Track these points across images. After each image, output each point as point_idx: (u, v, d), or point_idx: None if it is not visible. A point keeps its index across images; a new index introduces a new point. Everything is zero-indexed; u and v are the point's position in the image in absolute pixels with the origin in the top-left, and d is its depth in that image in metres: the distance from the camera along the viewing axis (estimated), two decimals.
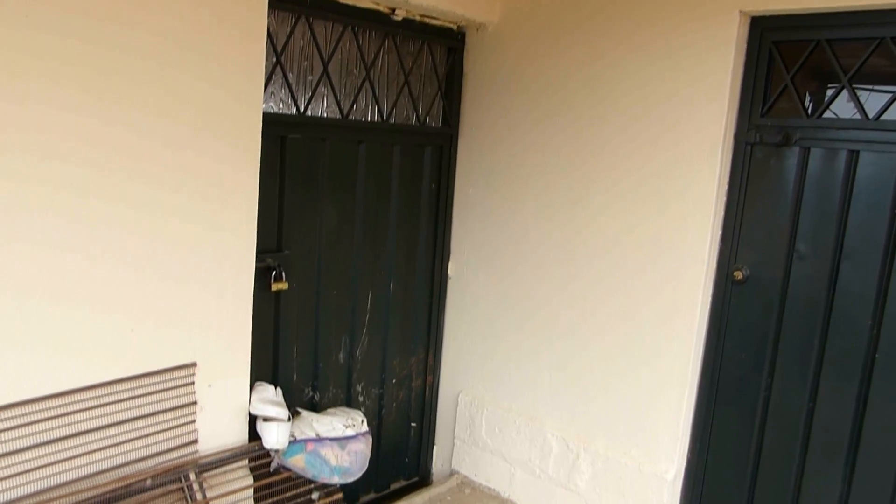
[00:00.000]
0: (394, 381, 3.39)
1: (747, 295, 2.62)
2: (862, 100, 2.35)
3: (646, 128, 2.71)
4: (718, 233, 2.62)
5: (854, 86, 2.35)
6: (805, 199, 2.46)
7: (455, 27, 3.23)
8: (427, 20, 3.10)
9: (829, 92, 2.43)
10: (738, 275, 2.61)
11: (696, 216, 2.60)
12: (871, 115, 2.32)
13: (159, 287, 2.21)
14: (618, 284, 2.84)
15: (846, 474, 2.46)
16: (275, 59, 2.63)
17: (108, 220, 2.06)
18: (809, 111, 2.46)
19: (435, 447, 3.64)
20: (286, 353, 2.89)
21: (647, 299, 2.76)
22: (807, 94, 2.48)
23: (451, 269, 3.47)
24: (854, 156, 2.35)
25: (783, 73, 2.48)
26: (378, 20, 2.93)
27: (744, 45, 2.51)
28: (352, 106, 2.95)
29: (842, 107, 2.39)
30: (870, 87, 2.35)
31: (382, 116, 3.09)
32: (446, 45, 3.26)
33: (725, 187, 2.59)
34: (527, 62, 3.06)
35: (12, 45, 1.81)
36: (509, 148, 3.16)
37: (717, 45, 2.49)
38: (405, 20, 3.00)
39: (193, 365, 2.34)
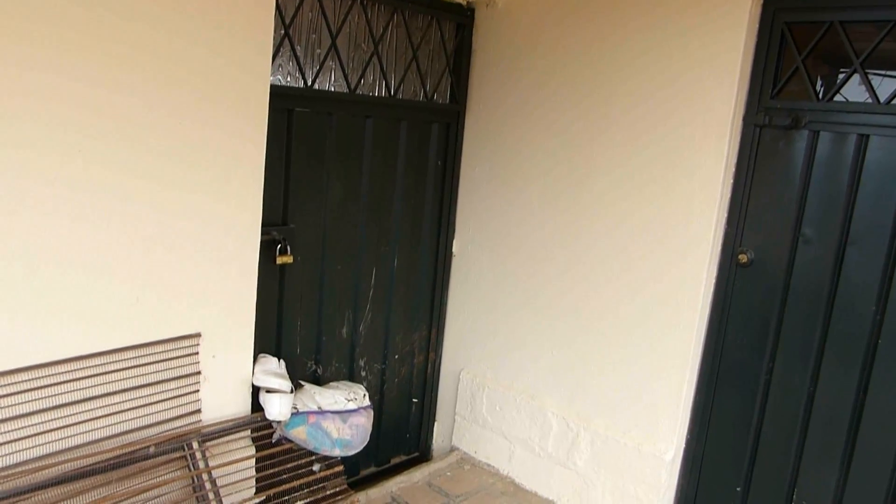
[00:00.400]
0: (396, 356, 3.41)
1: (751, 278, 2.61)
2: (874, 84, 2.33)
3: (653, 108, 2.69)
4: (724, 215, 2.61)
5: (866, 70, 2.33)
6: (812, 184, 2.45)
7: (464, 3, 3.21)
8: None
9: (841, 75, 2.41)
10: (743, 258, 2.60)
11: (703, 198, 2.59)
12: (882, 100, 2.30)
13: (165, 257, 2.22)
14: (622, 266, 2.84)
15: (845, 459, 2.47)
16: (283, 32, 2.61)
17: (114, 189, 2.06)
18: (820, 94, 2.44)
19: (436, 423, 3.67)
20: (290, 326, 2.90)
21: (650, 281, 2.76)
22: (818, 76, 2.46)
23: (456, 246, 3.47)
24: (864, 140, 2.33)
25: (794, 54, 2.46)
26: None
27: (755, 26, 2.48)
28: (359, 80, 2.94)
29: (853, 90, 2.37)
30: (882, 71, 2.33)
31: (390, 92, 3.07)
32: (455, 20, 3.24)
33: (732, 170, 2.58)
34: (535, 40, 3.04)
35: (23, 13, 1.80)
36: (516, 126, 3.15)
37: (727, 26, 2.47)
38: None
39: (198, 335, 2.35)
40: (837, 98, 2.40)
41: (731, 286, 2.65)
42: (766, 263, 2.57)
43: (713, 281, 2.67)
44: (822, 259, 2.45)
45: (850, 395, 2.43)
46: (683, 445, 2.81)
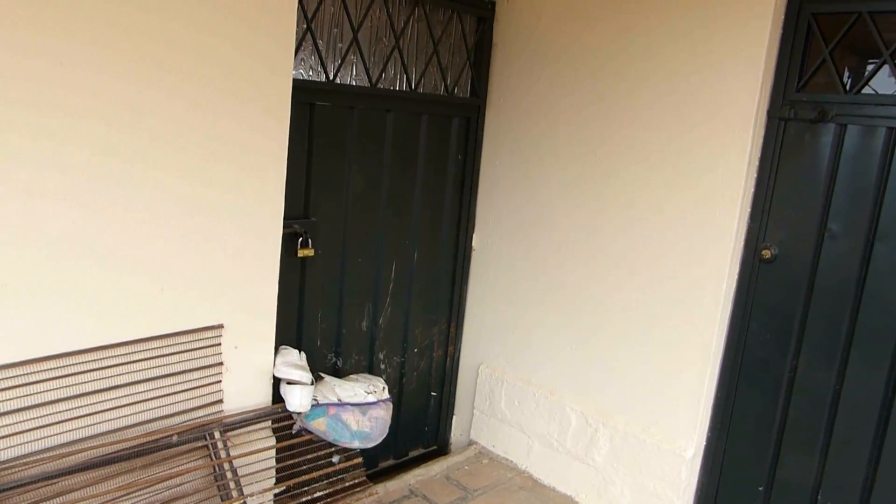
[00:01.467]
0: (415, 350, 3.41)
1: (775, 274, 2.58)
2: None
3: (676, 102, 2.66)
4: (748, 210, 2.58)
5: None
6: (839, 178, 2.41)
7: None
8: None
9: (869, 67, 2.36)
10: (767, 253, 2.57)
11: (725, 193, 2.56)
12: None
13: (188, 251, 2.24)
14: (643, 260, 2.82)
15: (872, 459, 2.43)
16: (305, 26, 2.62)
17: (142, 183, 2.08)
18: (847, 87, 2.40)
19: (454, 417, 3.67)
20: (310, 318, 2.92)
21: (672, 276, 2.74)
22: (845, 68, 2.42)
23: (476, 240, 3.47)
24: (893, 133, 2.28)
25: (821, 46, 2.42)
26: None
27: (781, 18, 2.44)
28: (380, 74, 2.94)
29: (882, 83, 2.32)
30: None
31: (411, 86, 3.07)
32: (476, 14, 3.23)
33: (756, 164, 2.55)
34: (556, 33, 3.02)
35: (58, 6, 1.83)
36: (537, 120, 3.13)
37: (752, 18, 2.44)
38: None
39: (220, 327, 2.37)
40: (866, 90, 2.36)
41: (755, 282, 2.62)
42: (791, 259, 2.54)
43: (735, 276, 2.64)
44: (849, 255, 2.41)
45: (878, 393, 2.39)
46: (704, 443, 2.79)
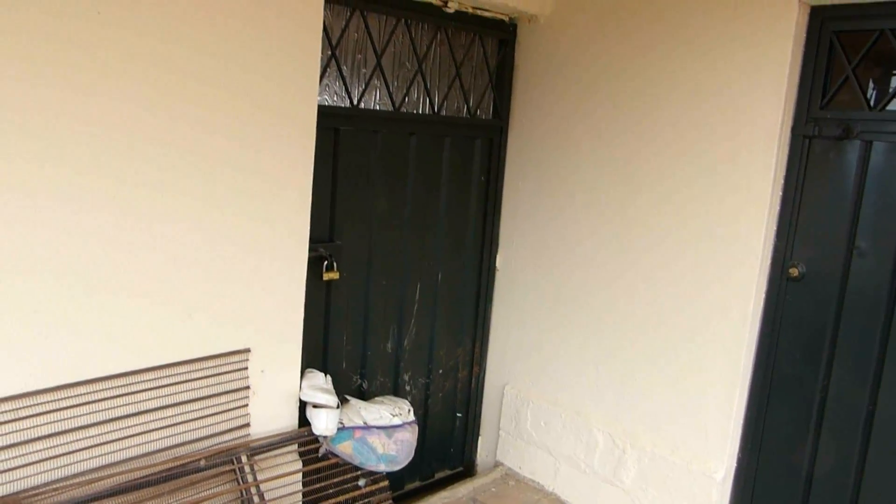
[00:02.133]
0: (440, 371, 3.41)
1: (803, 292, 2.54)
2: None
3: (699, 120, 2.65)
4: (774, 228, 2.55)
5: None
6: (866, 195, 2.37)
7: (507, 19, 3.22)
8: (479, 12, 3.09)
9: (894, 83, 2.33)
10: (794, 272, 2.53)
11: (751, 211, 2.53)
12: None
13: (215, 277, 2.27)
14: (669, 279, 2.80)
15: None
16: (330, 53, 2.65)
17: (169, 215, 2.12)
18: (872, 103, 2.37)
19: (480, 438, 3.65)
20: (336, 341, 2.93)
21: (698, 295, 2.70)
22: (869, 85, 2.39)
23: (499, 261, 3.46)
24: None
25: (844, 63, 2.39)
26: (430, 12, 2.93)
27: (802, 36, 2.43)
28: (404, 98, 2.97)
29: None
30: None
31: (433, 109, 3.10)
32: (498, 36, 3.25)
33: (781, 182, 2.52)
34: (578, 53, 3.03)
35: (85, 39, 1.88)
36: (560, 140, 3.13)
37: (774, 36, 2.42)
38: (457, 12, 3.00)
39: (247, 351, 2.40)
40: (891, 107, 2.33)
41: (782, 300, 2.58)
42: (819, 277, 2.50)
43: (763, 295, 2.60)
44: (878, 272, 2.36)
45: None
46: (735, 464, 2.74)
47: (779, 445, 2.65)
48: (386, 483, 2.66)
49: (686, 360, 2.76)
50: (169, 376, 2.21)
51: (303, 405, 2.59)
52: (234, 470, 2.31)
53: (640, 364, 2.92)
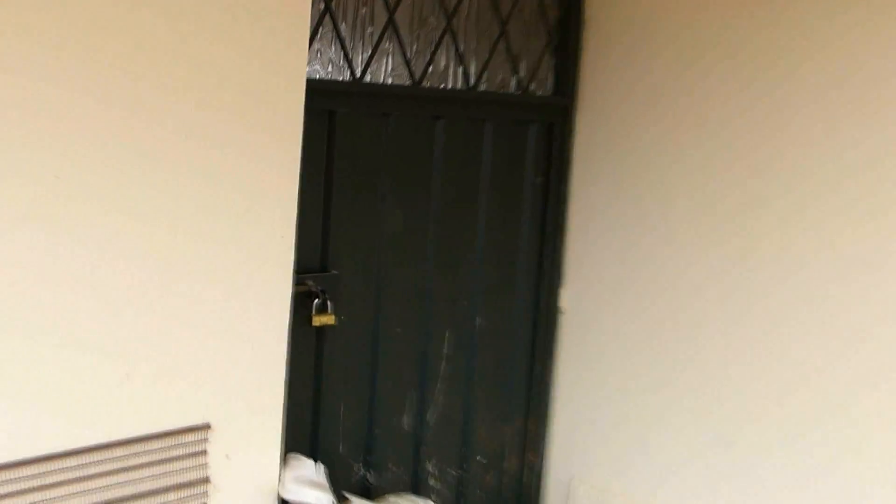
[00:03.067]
0: (479, 458, 3.39)
1: None
2: None
3: (854, 91, 2.64)
4: None
5: None
6: None
7: None
8: None
9: None
10: None
11: None
12: None
13: (163, 322, 2.26)
14: (814, 322, 2.77)
15: None
16: (323, 5, 2.67)
17: (93, 232, 2.10)
18: None
19: None
20: (330, 413, 2.93)
21: (853, 348, 2.68)
22: None
23: (565, 299, 3.46)
24: None
25: None
26: None
27: None
28: (426, 68, 3.00)
29: None
30: None
31: (468, 82, 3.12)
32: None
33: None
34: (674, 2, 3.05)
35: None
36: (650, 125, 3.14)
37: None
38: None
39: (206, 427, 2.38)
40: None
41: None
42: None
43: None
44: None
45: None
46: None
47: None
48: None
49: (840, 443, 2.72)
50: (93, 464, 2.18)
51: None
52: None
53: (772, 447, 2.88)
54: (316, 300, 2.75)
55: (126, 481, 2.25)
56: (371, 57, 2.86)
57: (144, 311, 2.23)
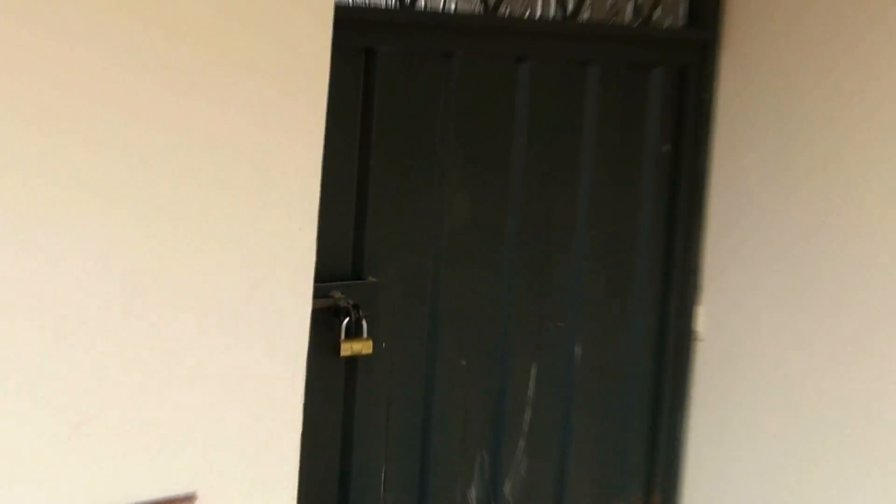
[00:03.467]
0: None
1: None
2: None
3: None
4: None
5: None
6: None
7: None
8: None
9: None
10: None
11: None
12: None
13: (132, 353, 2.25)
14: None
15: None
16: None
17: (48, 223, 2.08)
18: None
19: None
20: (366, 479, 2.90)
21: None
22: None
23: (703, 320, 3.43)
24: None
25: None
26: None
27: None
28: None
29: None
30: None
31: (564, 9, 3.07)
32: None
33: None
34: None
35: None
36: (827, 68, 3.11)
37: None
38: None
39: (190, 499, 2.38)
40: None
41: None
42: None
43: None
44: None
45: None
46: None
47: None
48: None
49: None
50: None
51: None
52: None
53: None
54: (346, 319, 2.71)
55: None
56: None
57: (109, 340, 2.21)
